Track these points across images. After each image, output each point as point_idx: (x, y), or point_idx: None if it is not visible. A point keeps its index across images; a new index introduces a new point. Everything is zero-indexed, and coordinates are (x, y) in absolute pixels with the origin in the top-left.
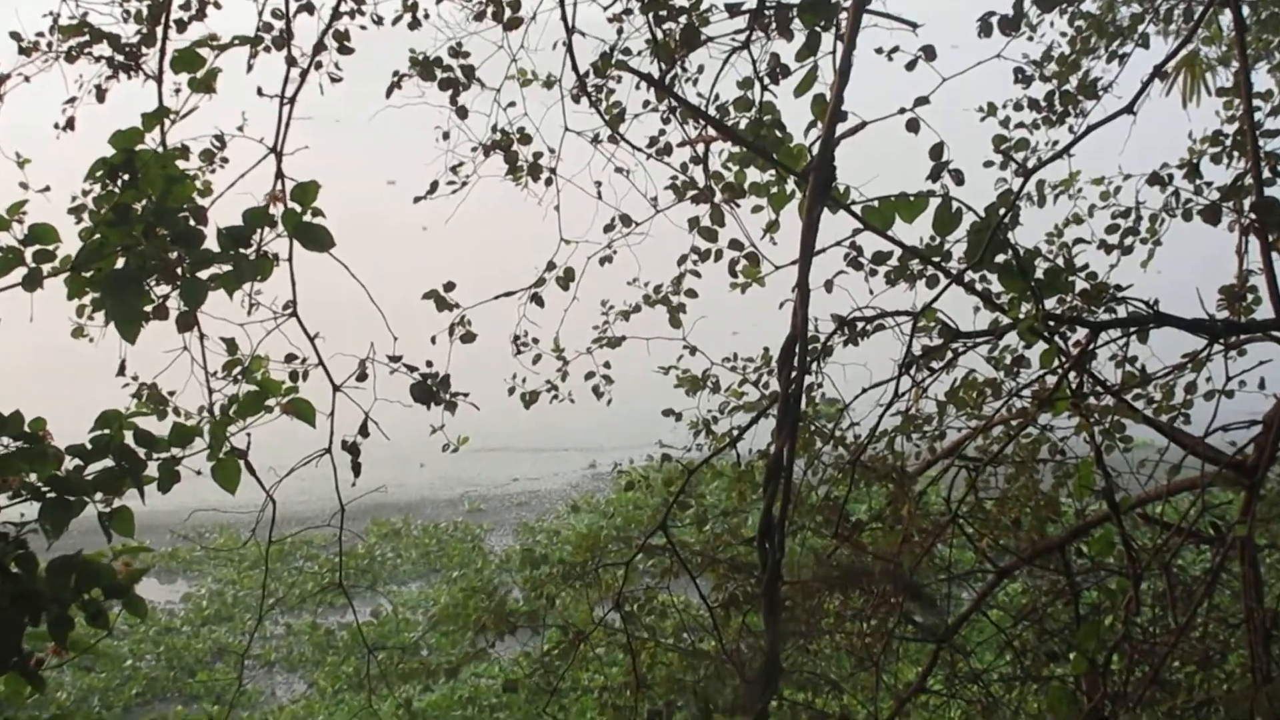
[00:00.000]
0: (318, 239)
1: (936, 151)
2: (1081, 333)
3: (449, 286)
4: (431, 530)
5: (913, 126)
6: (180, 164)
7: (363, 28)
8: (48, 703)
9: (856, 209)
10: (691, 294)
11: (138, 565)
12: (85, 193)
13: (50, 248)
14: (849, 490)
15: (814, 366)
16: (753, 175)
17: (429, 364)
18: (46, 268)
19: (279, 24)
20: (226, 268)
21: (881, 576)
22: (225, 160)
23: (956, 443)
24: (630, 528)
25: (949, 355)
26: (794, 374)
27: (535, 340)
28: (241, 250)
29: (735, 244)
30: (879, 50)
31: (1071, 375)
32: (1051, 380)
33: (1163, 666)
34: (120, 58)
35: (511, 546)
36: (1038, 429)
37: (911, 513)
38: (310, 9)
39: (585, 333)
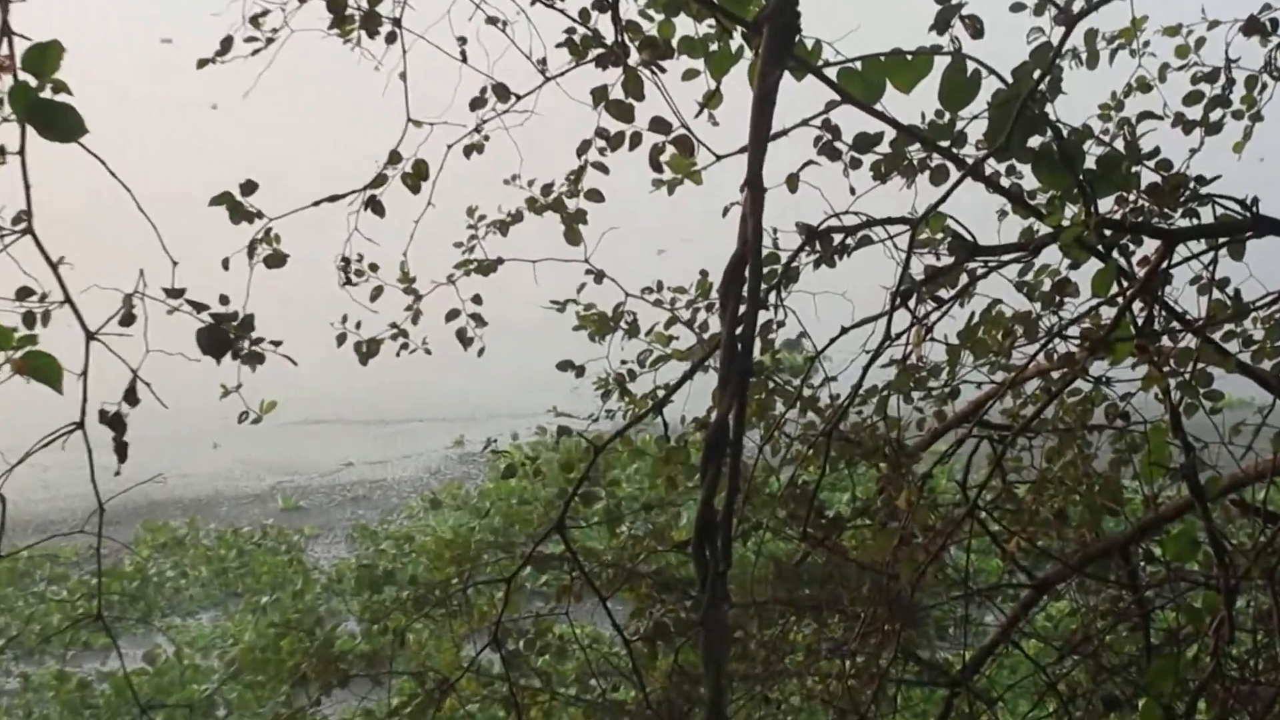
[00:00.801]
0: (61, 123)
1: None
2: (1151, 246)
3: (248, 188)
4: (229, 538)
5: None
6: None
7: None
8: None
9: (831, 74)
10: (596, 197)
11: None
12: None
13: None
14: (823, 473)
15: (773, 298)
16: (683, 27)
17: (223, 300)
18: None
19: None
20: None
21: (871, 594)
22: None
23: (975, 404)
24: (513, 530)
25: (964, 280)
26: (743, 309)
27: (374, 267)
28: None
29: (659, 124)
30: None
31: (1137, 306)
32: (1109, 314)
33: (1268, 716)
34: None
35: (344, 560)
36: (1089, 383)
37: (913, 504)
38: None
39: (445, 254)
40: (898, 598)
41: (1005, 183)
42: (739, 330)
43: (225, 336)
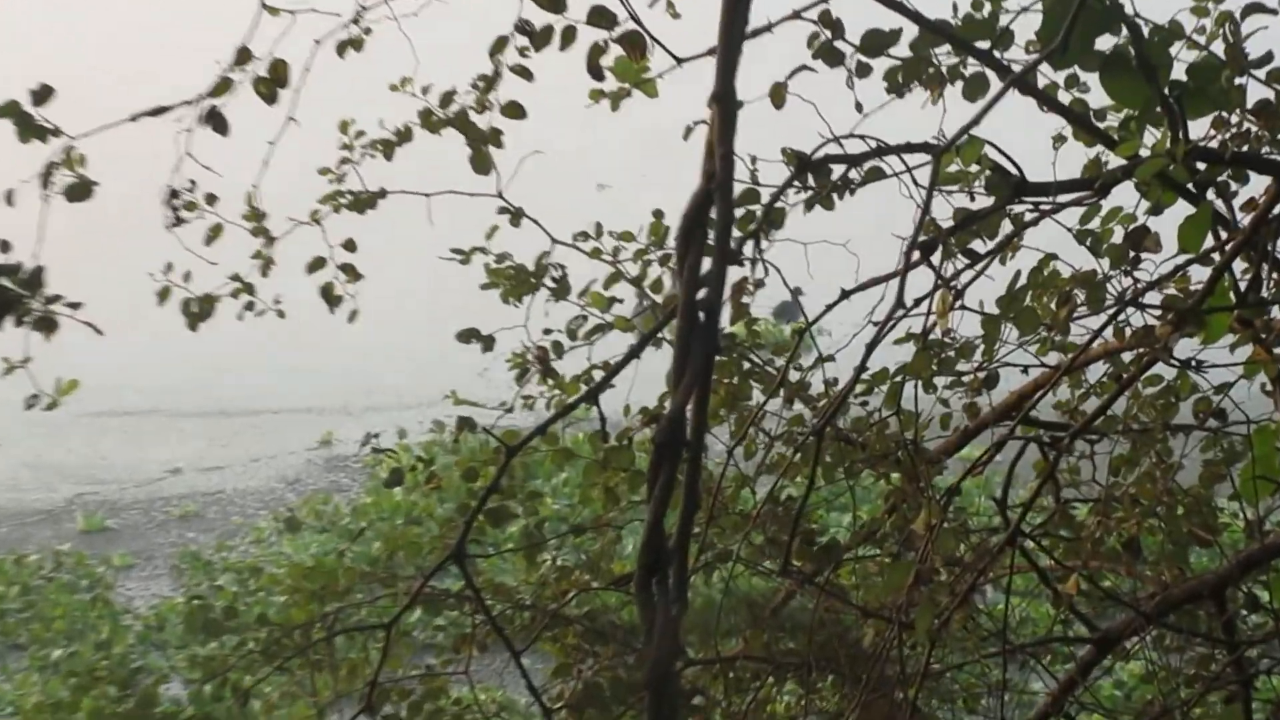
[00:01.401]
0: None
1: None
2: (1259, 185)
3: (41, 95)
4: (8, 569)
5: None
6: None
7: None
8: None
9: None
10: (515, 112)
11: None
12: None
13: None
14: (812, 484)
15: (749, 249)
16: None
17: (3, 246)
18: None
19: None
20: None
21: (876, 649)
22: None
23: (1019, 396)
24: (397, 559)
25: (1006, 228)
26: (708, 264)
27: (211, 198)
28: None
29: (600, 15)
30: None
31: (1238, 265)
32: (1201, 276)
33: None
34: None
35: (167, 599)
36: (1173, 367)
37: (934, 528)
38: None
39: (309, 185)
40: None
41: (1064, 98)
42: (702, 293)
43: (9, 295)
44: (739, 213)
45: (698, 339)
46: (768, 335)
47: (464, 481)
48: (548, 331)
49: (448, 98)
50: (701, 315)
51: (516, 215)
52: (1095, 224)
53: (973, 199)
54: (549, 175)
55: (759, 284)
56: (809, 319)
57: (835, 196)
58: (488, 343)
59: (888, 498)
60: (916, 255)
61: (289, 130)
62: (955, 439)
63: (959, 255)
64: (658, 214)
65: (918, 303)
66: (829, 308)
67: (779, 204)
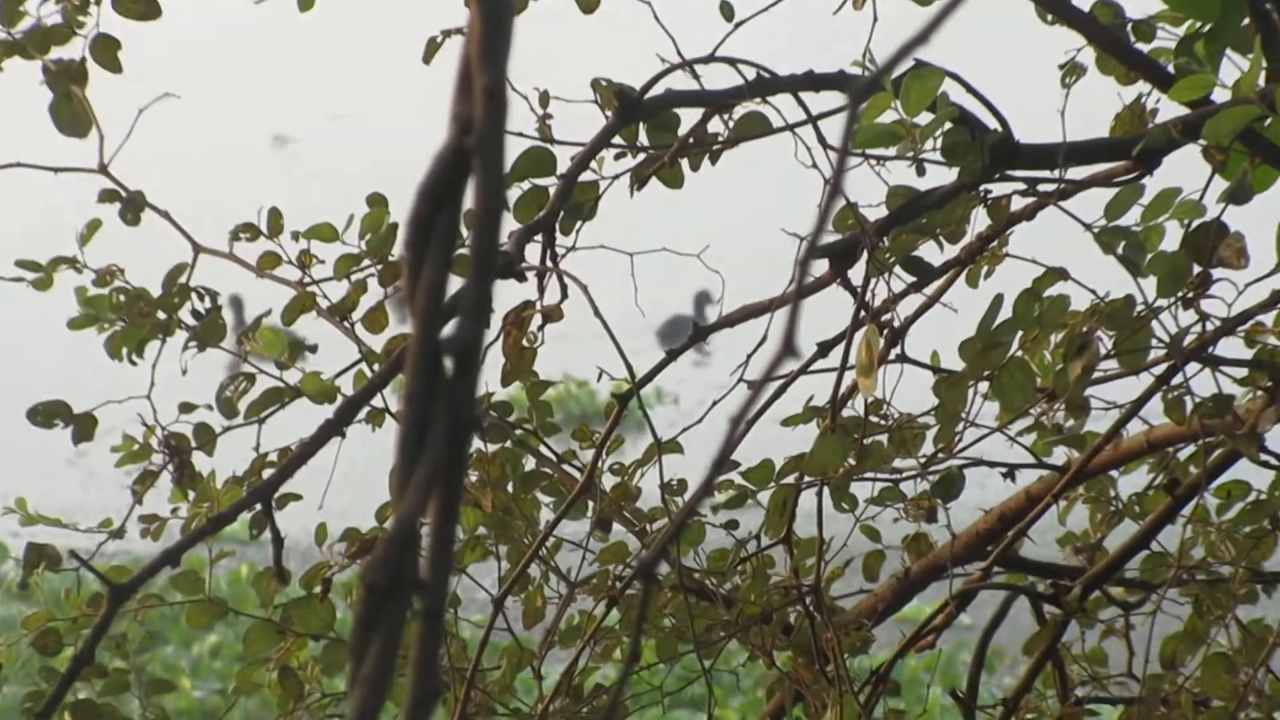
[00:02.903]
0: None
1: None
2: None
3: None
4: None
5: None
6: None
7: None
8: None
9: None
10: (109, 54)
11: None
12: None
13: None
14: (631, 663)
15: (536, 252)
16: None
17: None
18: None
19: None
20: None
21: None
22: None
23: (998, 516)
24: None
25: (980, 224)
26: (466, 282)
27: None
28: None
29: None
30: None
31: None
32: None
33: None
34: None
35: None
36: (1272, 468)
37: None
38: None
39: None
40: None
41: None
42: (449, 329)
43: None
44: (518, 191)
45: (439, 409)
46: (567, 403)
47: (37, 653)
48: (188, 407)
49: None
50: (449, 367)
51: (132, 204)
52: (1132, 218)
53: (921, 173)
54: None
55: (551, 315)
56: (631, 375)
57: (682, 163)
58: (84, 424)
59: (771, 691)
60: (822, 267)
61: None
62: (889, 590)
63: (896, 269)
64: (376, 200)
65: (824, 350)
66: (669, 358)
67: (590, 175)
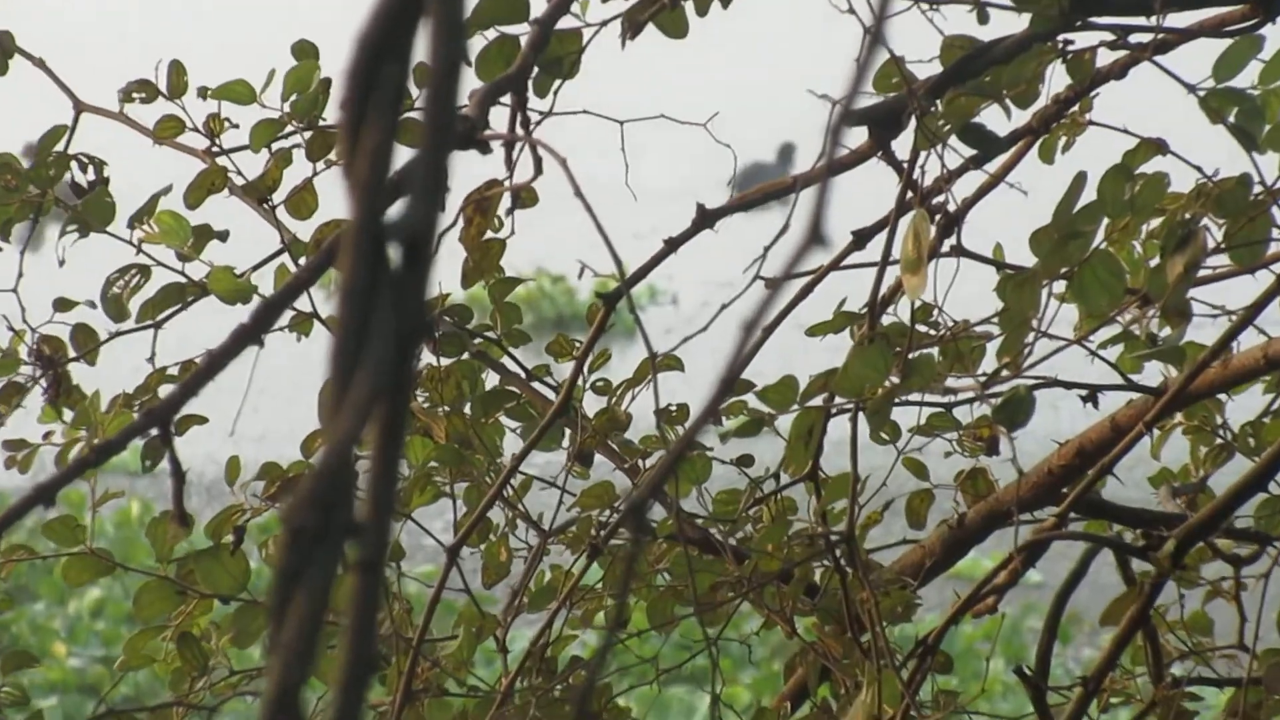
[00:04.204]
0: None
1: None
2: None
3: None
4: None
5: None
6: None
7: None
8: None
9: None
10: None
11: None
12: None
13: None
14: (615, 628)
15: (504, 118)
16: None
17: None
18: None
19: None
20: None
21: None
22: None
23: (1077, 449)
24: None
25: (1056, 85)
26: (418, 152)
27: None
28: None
29: None
30: None
31: None
32: None
33: None
34: None
35: None
36: None
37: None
38: None
39: None
40: None
41: None
42: (396, 210)
43: None
44: (482, 40)
45: (382, 313)
46: (540, 305)
47: None
48: (66, 305)
49: None
50: (394, 259)
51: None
52: (1247, 79)
53: (984, 20)
54: None
55: (522, 196)
56: (622, 275)
57: (691, 6)
58: None
59: (791, 665)
60: (860, 137)
61: None
62: (939, 540)
63: (951, 139)
64: (304, 50)
65: (860, 240)
66: (669, 247)
67: (571, 20)
